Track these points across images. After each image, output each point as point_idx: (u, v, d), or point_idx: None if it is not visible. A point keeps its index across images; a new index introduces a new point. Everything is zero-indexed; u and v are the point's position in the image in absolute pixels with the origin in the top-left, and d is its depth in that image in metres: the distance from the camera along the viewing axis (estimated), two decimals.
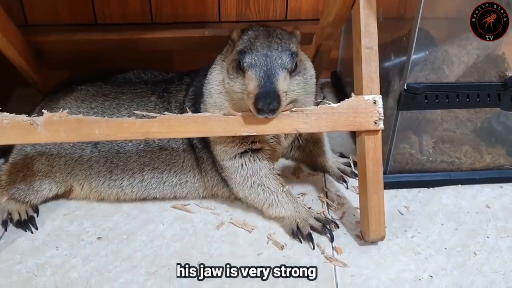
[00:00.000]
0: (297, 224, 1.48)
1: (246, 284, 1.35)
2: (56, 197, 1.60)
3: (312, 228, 1.49)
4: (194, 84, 1.58)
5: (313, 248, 1.45)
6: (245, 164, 1.49)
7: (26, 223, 1.51)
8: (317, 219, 1.51)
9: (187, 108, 1.50)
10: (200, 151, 1.55)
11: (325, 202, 1.62)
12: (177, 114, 1.51)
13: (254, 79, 1.30)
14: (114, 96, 1.61)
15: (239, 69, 1.34)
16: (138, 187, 1.58)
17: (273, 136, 1.52)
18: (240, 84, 1.35)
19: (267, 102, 1.25)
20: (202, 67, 1.58)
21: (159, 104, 1.58)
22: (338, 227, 1.52)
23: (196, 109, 1.51)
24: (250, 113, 1.33)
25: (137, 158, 1.56)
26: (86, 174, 1.56)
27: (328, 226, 1.49)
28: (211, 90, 1.45)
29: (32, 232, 1.50)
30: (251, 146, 1.48)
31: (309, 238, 1.46)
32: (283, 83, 1.31)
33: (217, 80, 1.44)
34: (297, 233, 1.47)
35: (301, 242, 1.47)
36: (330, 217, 1.55)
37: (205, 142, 1.52)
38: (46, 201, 1.59)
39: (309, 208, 1.56)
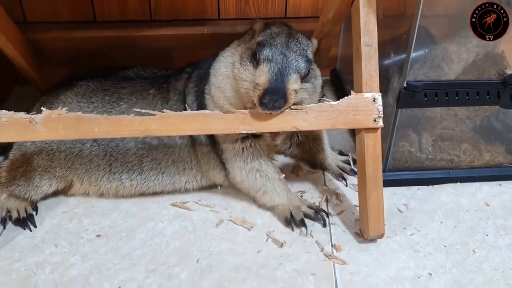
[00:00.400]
0: (291, 212, 1.50)
1: (245, 282, 1.35)
2: (55, 194, 1.60)
3: (305, 215, 1.51)
4: (200, 66, 1.58)
5: (306, 234, 1.47)
6: (246, 149, 1.50)
7: (25, 221, 1.51)
8: (309, 207, 1.54)
9: (187, 92, 1.50)
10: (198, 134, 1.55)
11: (324, 200, 1.62)
12: (175, 101, 1.52)
13: (266, 73, 1.30)
14: (113, 90, 1.61)
15: (253, 58, 1.34)
16: (138, 180, 1.58)
17: None
18: (249, 73, 1.34)
19: (274, 98, 1.25)
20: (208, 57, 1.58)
21: (157, 95, 1.58)
22: (329, 217, 1.54)
23: (199, 90, 1.51)
24: (249, 111, 1.33)
25: (135, 150, 1.56)
26: (86, 168, 1.56)
27: (320, 213, 1.51)
28: (218, 71, 1.45)
29: (30, 230, 1.50)
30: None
31: (302, 224, 1.49)
32: (293, 85, 1.31)
33: (227, 62, 1.44)
34: (290, 221, 1.50)
35: (293, 230, 1.49)
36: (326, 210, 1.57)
37: None
38: (45, 197, 1.59)
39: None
